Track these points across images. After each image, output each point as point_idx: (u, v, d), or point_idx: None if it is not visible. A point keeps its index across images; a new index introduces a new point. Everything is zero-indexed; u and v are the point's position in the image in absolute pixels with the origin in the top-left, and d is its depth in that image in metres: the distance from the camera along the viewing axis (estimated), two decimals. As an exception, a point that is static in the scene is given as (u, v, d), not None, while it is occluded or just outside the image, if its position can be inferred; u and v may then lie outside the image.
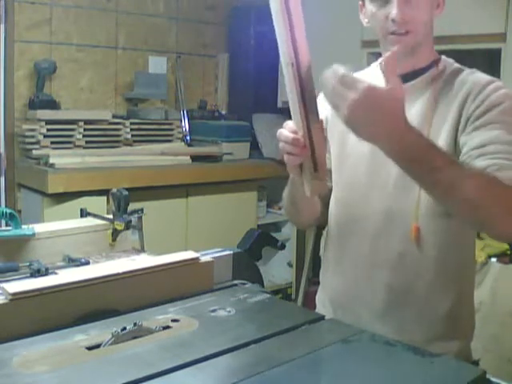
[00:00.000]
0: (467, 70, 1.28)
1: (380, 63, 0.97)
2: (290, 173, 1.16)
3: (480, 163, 1.11)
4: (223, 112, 3.85)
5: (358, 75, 1.45)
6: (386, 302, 1.29)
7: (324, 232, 1.51)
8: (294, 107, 1.04)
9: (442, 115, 1.24)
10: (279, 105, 3.59)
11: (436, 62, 1.29)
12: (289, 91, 1.03)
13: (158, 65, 3.68)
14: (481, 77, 1.25)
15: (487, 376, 0.92)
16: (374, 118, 0.92)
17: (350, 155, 1.34)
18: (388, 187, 1.27)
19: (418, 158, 0.97)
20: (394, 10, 1.19)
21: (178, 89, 3.69)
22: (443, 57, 1.32)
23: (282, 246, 1.59)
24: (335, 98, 0.94)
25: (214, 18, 3.94)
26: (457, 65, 1.30)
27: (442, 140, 1.21)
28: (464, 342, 1.33)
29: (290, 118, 1.09)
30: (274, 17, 0.98)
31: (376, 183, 1.29)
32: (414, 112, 1.25)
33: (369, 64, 1.41)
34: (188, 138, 3.50)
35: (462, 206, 1.03)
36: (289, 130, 1.08)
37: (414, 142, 0.97)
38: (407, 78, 1.25)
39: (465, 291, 1.33)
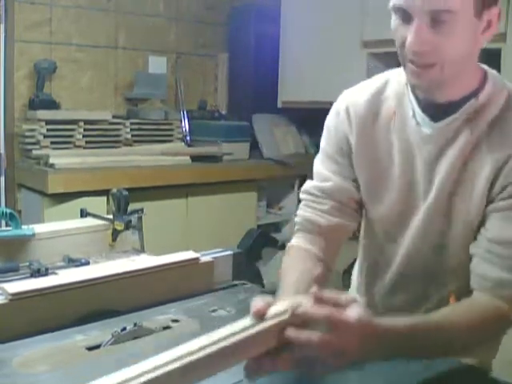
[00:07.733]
0: None
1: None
2: None
3: (485, 268, 0.97)
4: (223, 112, 3.86)
5: (366, 83, 1.17)
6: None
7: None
8: None
9: (480, 162, 0.99)
10: (279, 105, 3.58)
11: (478, 91, 0.99)
12: None
13: (157, 65, 3.69)
14: None
15: (489, 376, 0.92)
16: (346, 352, 0.78)
17: (384, 185, 1.10)
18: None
19: (402, 349, 0.86)
20: (409, 37, 0.90)
21: (178, 89, 3.69)
22: (490, 81, 0.99)
23: (282, 246, 1.59)
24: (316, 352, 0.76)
25: (213, 17, 3.94)
26: (506, 93, 0.99)
27: (476, 194, 0.99)
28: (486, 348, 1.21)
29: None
30: None
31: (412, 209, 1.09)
32: (447, 159, 1.01)
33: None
34: (188, 138, 3.50)
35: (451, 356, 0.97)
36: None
37: (392, 341, 0.83)
38: (438, 113, 1.00)
39: None
